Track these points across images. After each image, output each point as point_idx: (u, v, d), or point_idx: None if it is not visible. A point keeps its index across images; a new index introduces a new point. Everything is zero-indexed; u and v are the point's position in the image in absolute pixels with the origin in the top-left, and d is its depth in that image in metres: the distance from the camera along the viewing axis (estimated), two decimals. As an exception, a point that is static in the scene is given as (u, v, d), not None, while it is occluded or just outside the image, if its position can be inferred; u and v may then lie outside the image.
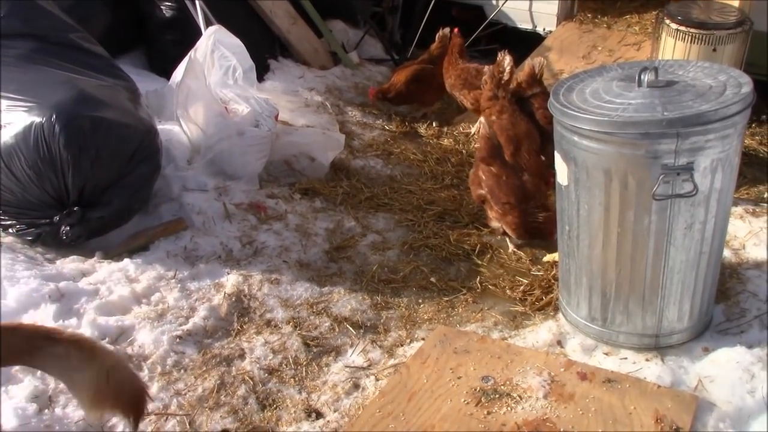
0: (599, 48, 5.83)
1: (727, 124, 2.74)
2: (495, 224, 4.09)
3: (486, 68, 4.89)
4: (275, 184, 4.35)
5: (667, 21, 4.38)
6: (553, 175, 4.39)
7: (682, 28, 4.30)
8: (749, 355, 3.03)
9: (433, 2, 6.45)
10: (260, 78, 5.26)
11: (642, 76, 2.92)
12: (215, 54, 4.45)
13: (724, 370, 2.98)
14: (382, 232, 4.08)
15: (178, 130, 4.41)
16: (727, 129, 2.76)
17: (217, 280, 3.54)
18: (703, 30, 4.25)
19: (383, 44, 6.51)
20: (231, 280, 3.53)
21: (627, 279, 3.04)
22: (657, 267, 2.98)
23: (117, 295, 3.33)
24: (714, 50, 4.28)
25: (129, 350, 3.07)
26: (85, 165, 3.45)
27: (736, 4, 4.54)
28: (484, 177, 4.09)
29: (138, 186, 3.68)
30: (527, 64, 4.87)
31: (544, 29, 6.27)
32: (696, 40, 4.29)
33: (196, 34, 5.08)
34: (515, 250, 4.02)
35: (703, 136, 2.72)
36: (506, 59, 4.82)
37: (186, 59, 4.27)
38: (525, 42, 6.45)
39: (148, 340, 3.11)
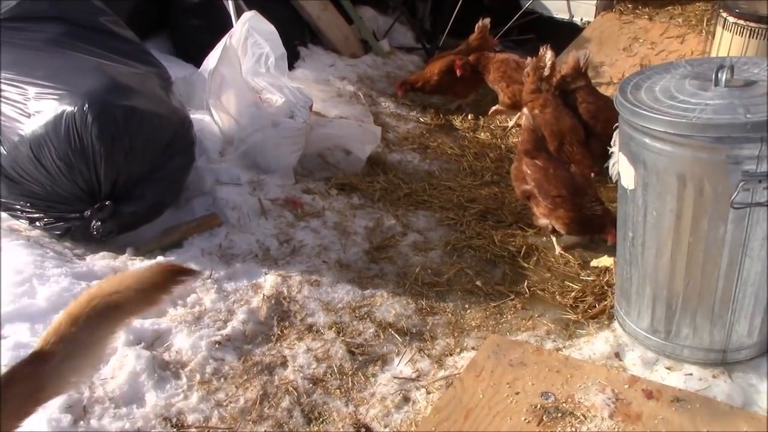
0: (641, 40, 5.61)
1: (819, 127, 2.54)
2: (542, 221, 3.90)
3: (528, 60, 4.70)
4: (310, 179, 4.18)
5: (724, 14, 4.19)
6: (598, 171, 4.26)
7: (741, 21, 4.10)
8: (824, 374, 2.85)
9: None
10: (290, 66, 5.07)
11: (719, 75, 2.72)
12: (249, 41, 4.27)
13: (798, 391, 2.80)
14: (423, 232, 3.90)
15: (209, 120, 4.22)
16: (816, 133, 2.56)
17: (254, 281, 3.37)
18: (764, 24, 4.05)
19: (414, 32, 6.31)
20: (269, 281, 3.36)
21: (696, 291, 2.85)
22: (730, 279, 2.79)
23: (151, 296, 3.15)
24: (773, 45, 4.09)
25: (166, 356, 2.90)
26: (118, 157, 3.27)
27: (795, -4, 4.32)
28: (529, 171, 3.90)
29: (171, 179, 3.51)
30: (572, 56, 4.67)
31: (581, 20, 6.05)
32: (755, 35, 4.09)
33: (224, 20, 4.93)
34: (562, 252, 3.84)
35: (791, 141, 2.53)
36: (548, 54, 4.63)
37: (220, 46, 4.08)
38: (561, 32, 6.23)
39: (185, 345, 2.95)
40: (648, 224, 2.87)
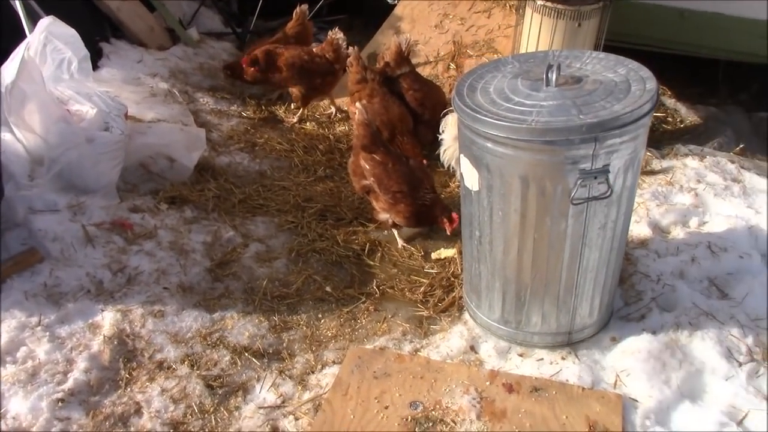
0: (450, 16, 5.71)
1: (639, 124, 2.69)
2: (383, 216, 3.89)
3: (321, 45, 4.72)
4: (135, 194, 3.90)
5: (533, -4, 4.32)
6: (428, 158, 4.32)
7: (549, 4, 4.25)
8: (656, 342, 3.08)
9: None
10: (94, 66, 4.68)
11: (549, 75, 2.81)
12: (48, 48, 3.87)
13: (637, 362, 3.01)
14: (264, 240, 3.77)
15: (11, 138, 3.79)
16: (639, 129, 2.72)
17: (91, 320, 3.10)
18: (569, 5, 4.23)
19: (222, 16, 6.03)
20: (108, 318, 3.11)
21: (543, 282, 2.97)
22: (572, 268, 2.93)
23: (-27, 356, 2.82)
24: (579, 25, 4.29)
25: (2, 425, 2.60)
26: None
27: (593, -24, 4.55)
28: (368, 166, 3.87)
29: (-21, 219, 3.12)
30: (393, 42, 4.67)
31: (391, -4, 6.05)
32: (562, 16, 4.26)
33: (13, 20, 4.45)
34: (405, 245, 3.87)
35: (619, 138, 2.66)
36: (338, 35, 4.68)
37: (16, 58, 3.65)
38: (372, 10, 6.22)
39: (23, 409, 2.66)
40: (494, 224, 2.93)
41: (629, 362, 3.03)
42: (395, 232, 3.90)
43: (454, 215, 3.67)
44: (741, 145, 4.87)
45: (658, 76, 5.25)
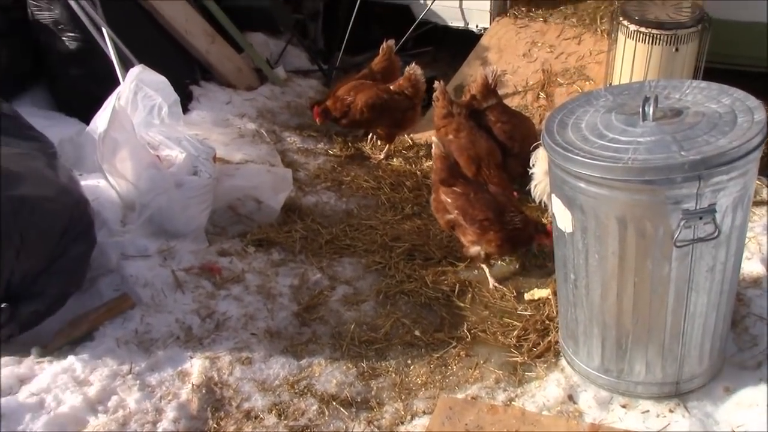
0: (539, 44, 5.57)
1: (749, 159, 2.50)
2: (473, 249, 3.77)
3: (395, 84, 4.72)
4: (224, 237, 3.91)
5: (625, 22, 4.15)
6: (519, 192, 4.18)
7: (642, 29, 4.08)
8: (774, 394, 2.84)
9: (357, 5, 6.03)
10: (184, 109, 4.73)
11: (646, 109, 2.64)
12: (138, 95, 3.95)
13: (755, 415, 2.77)
14: (351, 282, 3.71)
15: (105, 184, 3.88)
16: (748, 164, 2.52)
17: (180, 368, 3.09)
18: (664, 30, 4.04)
19: (308, 54, 6.06)
20: (196, 366, 3.09)
21: (645, 329, 2.78)
22: (678, 314, 2.73)
23: (68, 405, 2.84)
24: (676, 50, 4.09)
25: (93, 478, 2.61)
26: (9, 255, 2.92)
27: (690, -3, 4.35)
28: (449, 200, 3.79)
29: (73, 268, 3.18)
30: (479, 74, 4.55)
31: (477, 26, 5.96)
32: (657, 41, 4.07)
33: (107, 67, 4.58)
34: (496, 285, 3.73)
35: (726, 176, 2.47)
36: (417, 71, 4.69)
37: (108, 106, 3.75)
38: (458, 41, 6.14)
39: (113, 460, 2.66)
40: (590, 267, 2.77)
41: (746, 416, 2.79)
42: (486, 270, 3.77)
43: (549, 228, 3.52)
44: None
45: (763, 97, 4.97)
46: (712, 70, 4.39)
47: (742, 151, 2.45)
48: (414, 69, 4.71)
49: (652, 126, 2.62)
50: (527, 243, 3.73)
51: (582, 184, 2.61)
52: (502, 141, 4.36)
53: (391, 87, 4.74)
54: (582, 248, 2.76)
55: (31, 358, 3.08)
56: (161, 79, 4.06)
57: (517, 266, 3.87)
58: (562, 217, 2.80)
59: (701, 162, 2.42)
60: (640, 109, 2.65)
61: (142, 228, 3.71)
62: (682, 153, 2.46)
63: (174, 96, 4.15)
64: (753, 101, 2.70)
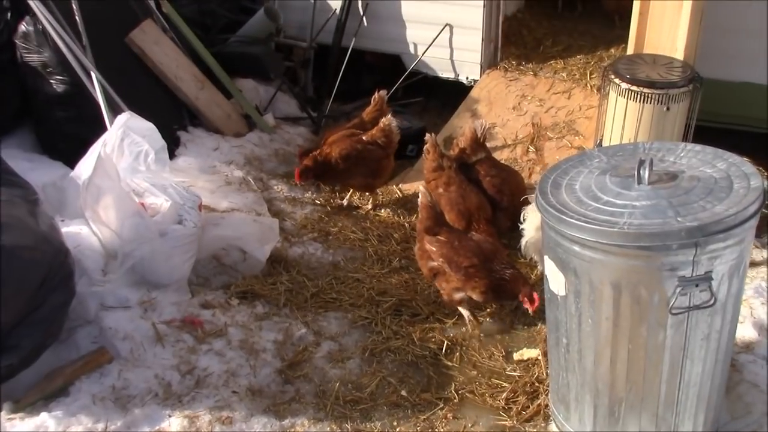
0: (529, 97, 5.57)
1: (746, 227, 2.46)
2: (458, 295, 3.70)
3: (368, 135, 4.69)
4: (207, 288, 3.82)
5: (617, 80, 4.15)
6: (508, 246, 4.13)
7: (634, 87, 4.08)
8: (770, 466, 2.77)
9: (348, 54, 6.04)
10: (171, 154, 4.68)
11: (641, 172, 2.61)
12: (125, 141, 3.88)
13: (749, 488, 2.70)
14: (337, 338, 3.62)
15: (87, 232, 3.78)
16: (745, 232, 2.48)
17: (158, 427, 2.98)
18: (656, 89, 4.05)
19: (298, 101, 6.04)
20: (174, 425, 2.98)
21: (639, 396, 2.71)
22: (672, 383, 2.67)
23: (38, 466, 2.72)
24: (667, 109, 4.09)
25: None
26: (-16, 306, 2.82)
27: (681, 56, 4.36)
28: (434, 248, 3.75)
29: (50, 320, 3.07)
30: (468, 128, 4.54)
31: (467, 78, 5.97)
32: (648, 100, 4.07)
33: (94, 110, 4.53)
34: (471, 318, 3.68)
35: (723, 243, 2.44)
36: (392, 122, 4.64)
37: (93, 153, 3.68)
38: (448, 92, 6.15)
39: None
40: (583, 332, 2.71)
41: (739, 487, 2.71)
42: (465, 312, 3.70)
43: (536, 295, 3.46)
44: None
45: (752, 156, 5.01)
46: (702, 128, 4.40)
47: (739, 218, 2.42)
48: (389, 120, 4.69)
49: (648, 190, 2.58)
50: (512, 297, 3.66)
51: (576, 248, 2.56)
52: (491, 195, 4.33)
53: (364, 137, 4.70)
54: (575, 312, 2.69)
55: (2, 414, 2.96)
56: (148, 126, 4.00)
57: (505, 324, 3.80)
58: (554, 280, 2.74)
59: (698, 229, 2.38)
60: (636, 173, 2.62)
61: (123, 278, 3.61)
62: (679, 219, 2.42)
63: (161, 142, 4.09)
64: (748, 167, 2.68)
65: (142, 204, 3.81)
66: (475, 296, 3.66)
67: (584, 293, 2.62)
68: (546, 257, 2.79)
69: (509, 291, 3.61)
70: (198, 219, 3.89)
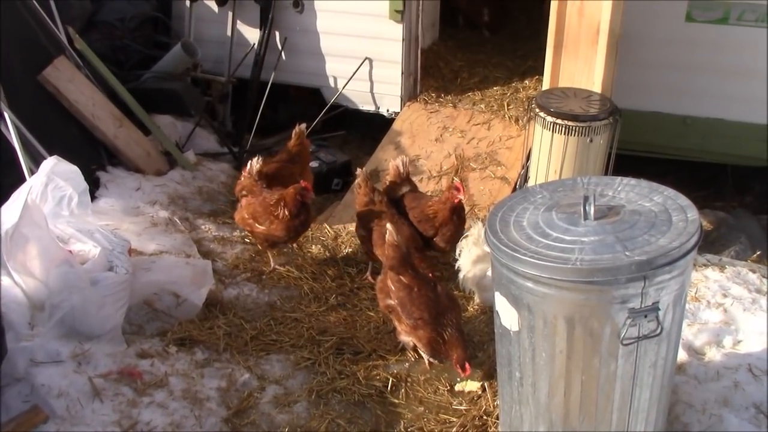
0: (450, 129, 5.68)
1: (688, 258, 2.58)
2: (404, 338, 3.73)
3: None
4: (142, 336, 3.68)
5: (541, 114, 4.29)
6: (439, 276, 4.18)
7: (559, 121, 4.22)
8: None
9: (268, 87, 6.01)
10: (92, 196, 4.49)
11: (587, 208, 2.69)
12: (49, 187, 3.72)
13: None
14: (281, 381, 3.55)
15: (9, 283, 3.58)
16: (687, 263, 2.60)
17: (102, 489, 2.84)
18: (579, 122, 4.19)
19: (218, 136, 5.95)
20: (121, 486, 2.84)
21: (591, 425, 2.78)
22: (623, 410, 2.74)
23: None
24: (591, 141, 4.24)
25: None
26: None
27: (599, 89, 4.55)
28: (393, 288, 3.74)
29: (-21, 382, 2.89)
30: (392, 165, 4.56)
31: (388, 110, 6.04)
32: (573, 133, 4.22)
33: (8, 152, 4.33)
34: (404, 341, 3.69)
35: (668, 275, 2.54)
36: (255, 164, 4.50)
37: (16, 201, 3.50)
38: (370, 124, 6.20)
39: None
40: (537, 365, 2.75)
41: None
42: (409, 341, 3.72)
43: (468, 367, 3.48)
44: (757, 252, 4.80)
45: (663, 180, 5.22)
46: (620, 156, 4.60)
47: (683, 250, 2.52)
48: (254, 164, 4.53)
49: (594, 225, 2.66)
50: (446, 357, 3.63)
51: (530, 284, 2.61)
52: (415, 225, 4.36)
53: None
54: (529, 347, 2.74)
55: (-71, 487, 2.76)
56: (72, 169, 3.87)
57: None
58: (507, 315, 2.79)
59: (646, 263, 2.47)
60: (581, 208, 2.70)
61: (53, 330, 3.43)
62: (627, 253, 2.51)
63: (84, 185, 3.97)
64: (683, 200, 2.81)
65: (70, 251, 3.65)
66: (419, 347, 3.69)
67: (538, 328, 2.68)
68: (497, 294, 2.83)
69: (444, 351, 3.60)
70: (129, 264, 3.76)
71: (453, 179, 5.01)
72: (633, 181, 2.99)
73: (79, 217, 3.92)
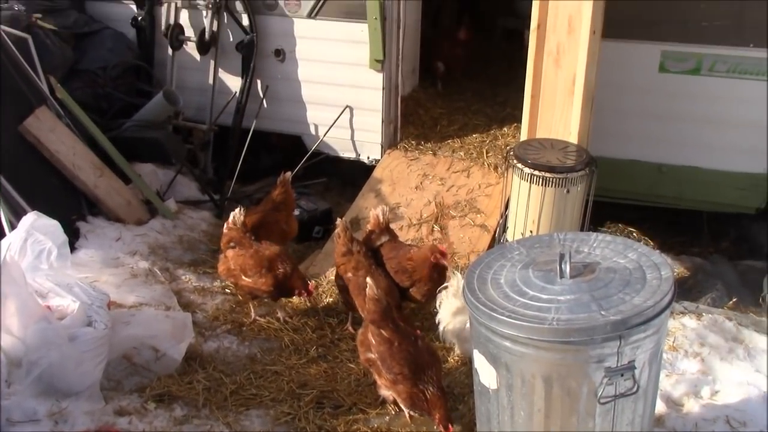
0: (430, 176, 5.73)
1: (662, 317, 2.62)
2: (384, 392, 3.72)
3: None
4: (120, 392, 3.65)
5: (519, 165, 4.34)
6: (420, 329, 4.18)
7: (536, 172, 4.28)
8: None
9: (250, 134, 6.05)
10: (71, 247, 4.47)
11: (563, 266, 2.73)
12: (28, 241, 3.72)
13: None
14: (261, 438, 3.53)
15: (-14, 339, 3.56)
16: (662, 321, 2.64)
17: None
18: (557, 174, 4.25)
19: (199, 184, 5.96)
20: None
21: (570, 484, 2.78)
22: (602, 468, 2.76)
23: None
24: (567, 192, 4.30)
25: None
26: None
27: (575, 140, 4.62)
28: (374, 341, 3.72)
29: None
30: (372, 214, 4.58)
31: (368, 158, 6.09)
32: (550, 184, 4.27)
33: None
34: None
35: (644, 333, 2.58)
36: (238, 215, 4.50)
37: (-6, 257, 3.49)
38: (351, 171, 6.25)
39: None
40: (516, 423, 2.77)
41: None
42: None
43: (451, 428, 3.44)
44: (734, 299, 4.85)
45: (640, 227, 5.32)
46: (598, 203, 4.66)
47: (657, 309, 2.57)
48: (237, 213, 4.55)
49: (570, 284, 2.70)
50: (428, 414, 3.60)
51: (507, 343, 2.64)
52: (392, 276, 4.36)
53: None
54: (507, 405, 2.76)
55: None
56: (52, 223, 3.87)
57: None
58: (485, 374, 2.81)
59: (622, 322, 2.51)
60: (557, 266, 2.74)
61: (30, 388, 3.40)
62: (602, 313, 2.55)
63: (63, 237, 3.97)
64: (657, 256, 2.86)
65: (48, 307, 3.64)
66: (399, 401, 3.68)
67: (516, 386, 2.70)
68: (476, 351, 2.85)
69: (426, 409, 3.59)
70: (108, 319, 3.74)
71: (435, 242, 5.05)
72: (608, 237, 3.04)
73: (58, 270, 3.91)
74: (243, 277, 4.32)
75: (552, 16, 4.80)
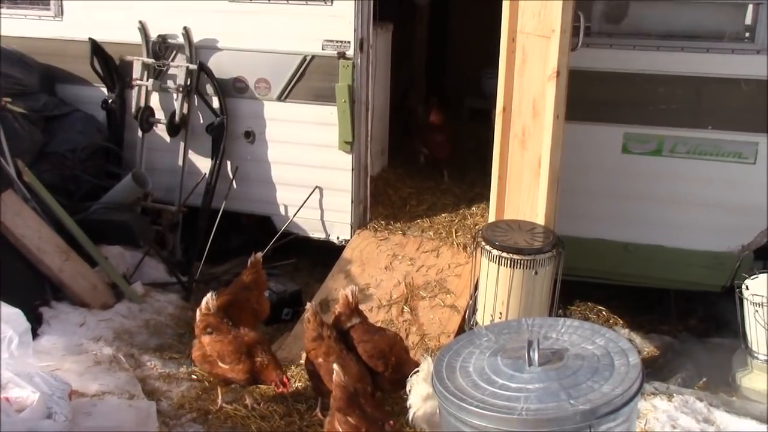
0: (399, 257, 5.74)
1: (632, 405, 2.61)
2: None
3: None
4: (78, 489, 3.52)
5: (488, 247, 4.37)
6: (395, 423, 4.11)
7: (504, 254, 4.29)
8: None
9: (219, 215, 6.04)
10: (34, 334, 4.38)
11: (531, 354, 2.72)
12: (-13, 331, 3.63)
13: None
14: None
15: (-61, 435, 3.44)
16: (631, 410, 2.62)
17: None
18: (524, 255, 4.27)
19: (167, 266, 5.91)
20: None
21: None
22: None
23: None
24: (536, 273, 4.32)
25: None
26: None
27: (542, 221, 4.67)
28: (341, 430, 3.65)
29: None
30: (341, 294, 4.55)
31: (338, 238, 6.09)
32: (518, 266, 4.29)
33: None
34: None
35: (613, 422, 2.56)
36: (210, 300, 4.41)
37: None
38: (321, 252, 6.24)
39: None
40: None
41: None
42: None
43: None
44: (704, 379, 4.86)
45: (608, 305, 5.33)
46: (567, 282, 4.68)
47: (626, 398, 2.56)
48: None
49: (539, 372, 2.69)
50: None
51: (477, 434, 2.60)
52: (365, 360, 4.31)
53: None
54: (479, 497, 2.70)
55: None
56: (14, 311, 3.79)
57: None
58: (456, 463, 2.75)
59: (591, 412, 2.49)
60: (525, 353, 2.73)
61: (-17, 485, 3.28)
62: (571, 402, 2.53)
63: (25, 325, 3.88)
64: (624, 343, 2.87)
65: (7, 399, 3.53)
66: None
67: (487, 477, 2.65)
68: (447, 440, 2.81)
69: None
70: (69, 410, 3.65)
71: (405, 323, 5.01)
72: (576, 323, 3.05)
73: (18, 360, 3.80)
74: (220, 364, 4.23)
75: (517, 99, 4.93)
